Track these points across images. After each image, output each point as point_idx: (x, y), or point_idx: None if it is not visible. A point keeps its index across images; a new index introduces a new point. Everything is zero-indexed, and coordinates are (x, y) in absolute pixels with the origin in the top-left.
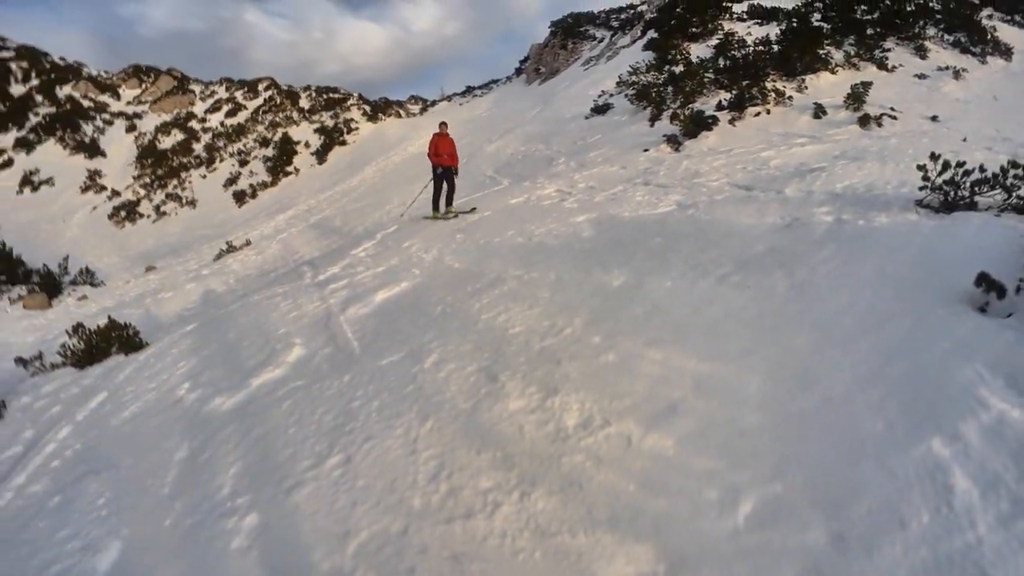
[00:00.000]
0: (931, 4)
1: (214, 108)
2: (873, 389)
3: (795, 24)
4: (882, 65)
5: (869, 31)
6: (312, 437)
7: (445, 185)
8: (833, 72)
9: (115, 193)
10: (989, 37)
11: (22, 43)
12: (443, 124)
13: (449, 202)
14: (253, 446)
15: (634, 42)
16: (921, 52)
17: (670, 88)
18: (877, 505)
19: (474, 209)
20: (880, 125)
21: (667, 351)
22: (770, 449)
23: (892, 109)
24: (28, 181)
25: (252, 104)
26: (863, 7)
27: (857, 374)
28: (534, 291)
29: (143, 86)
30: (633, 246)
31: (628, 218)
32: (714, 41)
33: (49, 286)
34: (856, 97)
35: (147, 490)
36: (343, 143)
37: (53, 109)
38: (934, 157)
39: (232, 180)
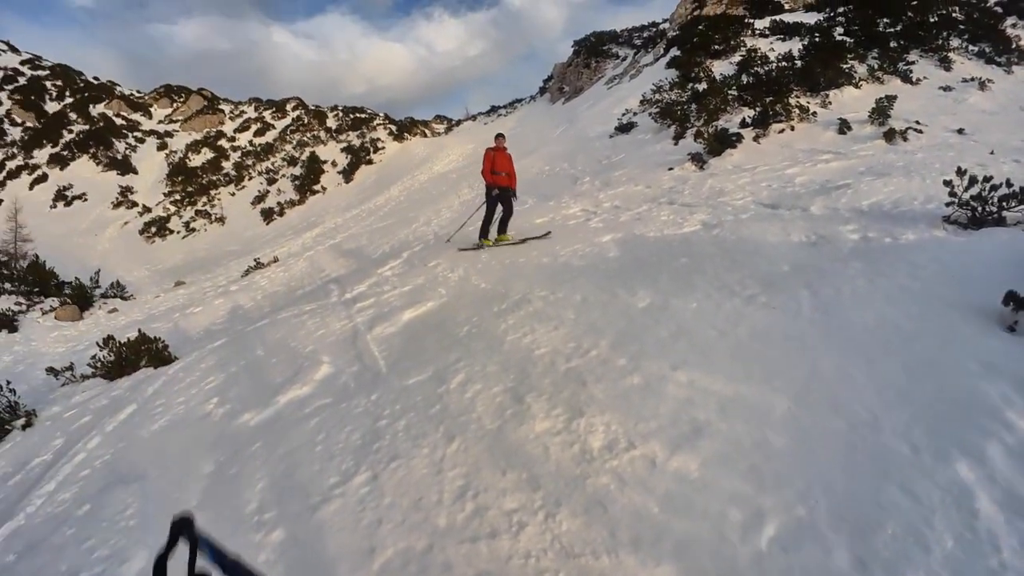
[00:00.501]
0: (954, 15)
1: (243, 127)
2: (899, 411)
3: (818, 39)
4: (906, 78)
5: (892, 44)
6: (339, 455)
7: (500, 208)
8: (857, 86)
9: (146, 209)
10: (1014, 46)
11: (57, 62)
12: (500, 137)
13: (504, 228)
14: (280, 462)
15: (657, 60)
16: (945, 64)
17: (693, 106)
18: (901, 530)
19: (548, 233)
20: (906, 139)
21: (692, 373)
22: (795, 472)
23: (917, 123)
24: (61, 196)
25: (280, 123)
26: (886, 20)
27: (883, 396)
28: (559, 312)
29: (174, 105)
30: (658, 266)
31: (653, 238)
32: (737, 58)
33: (80, 298)
34: (881, 111)
35: (174, 502)
36: (369, 162)
37: (86, 126)
38: (960, 172)
39: (260, 198)
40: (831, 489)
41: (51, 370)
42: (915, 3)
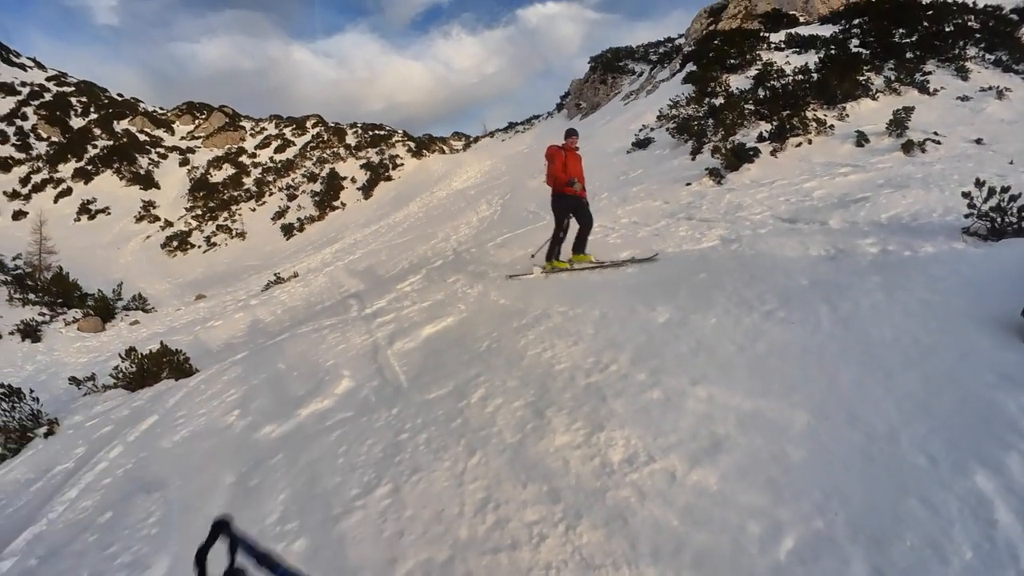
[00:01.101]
0: (970, 23)
1: (264, 144)
2: (918, 424)
3: (833, 51)
4: (923, 89)
5: (909, 55)
6: (360, 467)
7: (573, 222)
8: (874, 98)
9: (168, 223)
10: None
11: (82, 79)
12: (573, 134)
13: (582, 246)
14: (301, 474)
15: (673, 75)
16: (962, 73)
17: (710, 121)
18: (919, 541)
19: (656, 255)
20: (924, 151)
21: (712, 388)
22: (813, 485)
23: (935, 133)
24: (85, 210)
25: (300, 140)
26: (901, 30)
27: (902, 409)
28: (579, 327)
29: (196, 122)
30: (677, 282)
31: (672, 253)
32: (753, 72)
33: (103, 310)
34: (898, 123)
35: (196, 511)
36: (388, 179)
37: (110, 142)
38: (979, 183)
39: (280, 213)
40: (849, 501)
41: (73, 380)
42: (930, 13)
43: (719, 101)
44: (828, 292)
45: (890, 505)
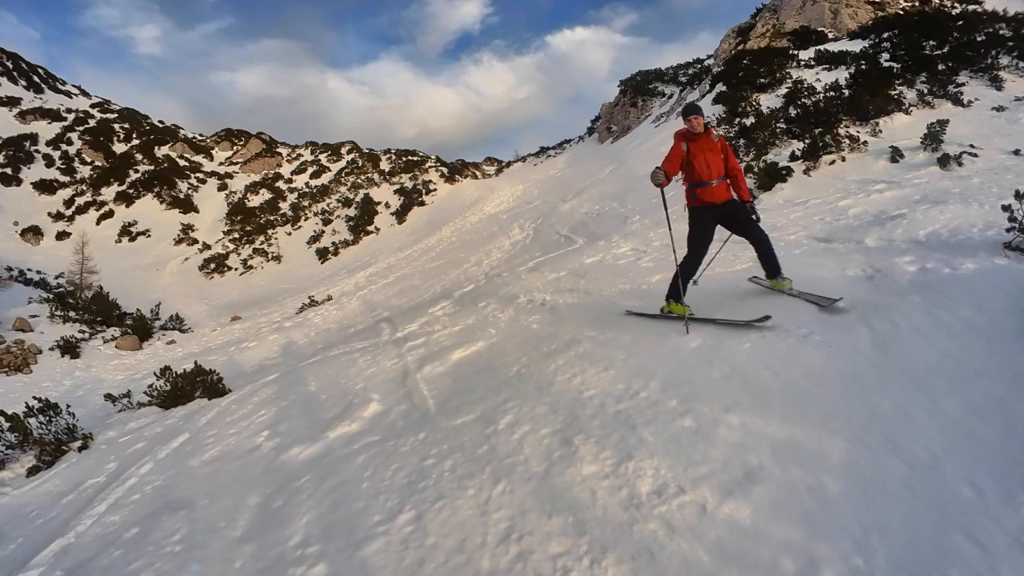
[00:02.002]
0: (1001, 31)
1: (300, 169)
2: (963, 453)
3: (864, 66)
4: (957, 100)
5: (941, 66)
6: (384, 493)
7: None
8: (907, 112)
9: (206, 246)
10: None
11: (125, 106)
12: (692, 111)
13: (774, 270)
14: (326, 497)
15: (703, 96)
16: (996, 83)
17: (742, 140)
18: None
19: (767, 317)
20: (960, 164)
21: (745, 416)
22: (852, 519)
23: (972, 146)
24: (126, 232)
25: (335, 166)
26: (932, 42)
27: (946, 436)
28: (609, 353)
29: (234, 148)
30: (710, 306)
31: (705, 276)
32: (783, 90)
33: (140, 329)
34: (933, 136)
35: (220, 531)
36: (421, 203)
37: (151, 167)
38: (1019, 195)
39: (316, 238)
40: (890, 536)
41: (109, 396)
42: (960, 23)
43: (750, 121)
44: (866, 314)
45: (933, 540)
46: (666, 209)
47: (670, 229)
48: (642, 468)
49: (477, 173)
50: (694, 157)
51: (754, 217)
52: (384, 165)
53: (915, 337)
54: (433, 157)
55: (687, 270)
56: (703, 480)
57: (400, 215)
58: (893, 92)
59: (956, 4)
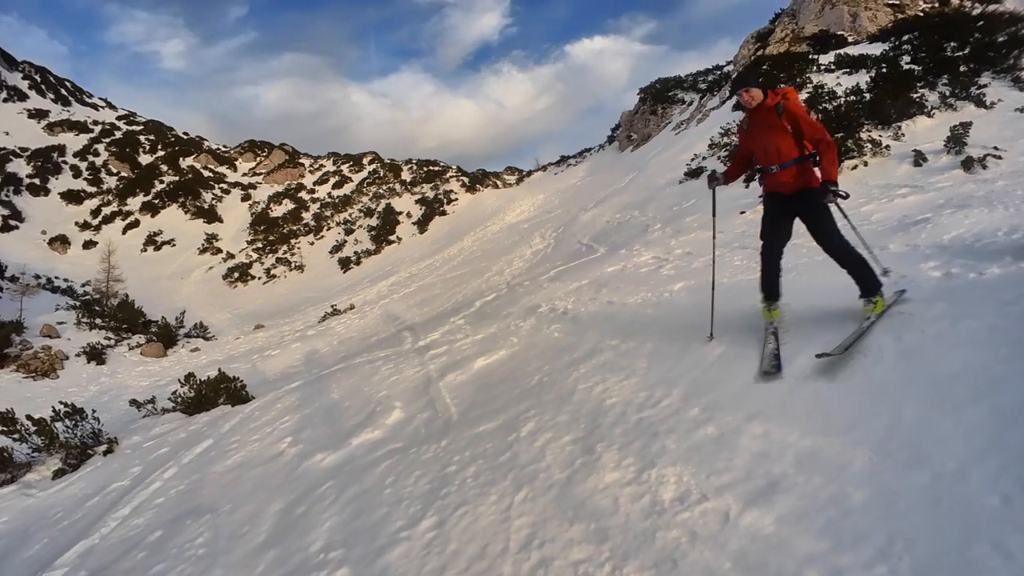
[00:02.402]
0: (1022, 32)
1: (322, 180)
2: (989, 461)
3: (885, 70)
4: (980, 102)
5: (962, 68)
6: (407, 499)
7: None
8: (929, 115)
9: (229, 256)
10: None
11: (150, 118)
12: (742, 85)
13: (871, 287)
14: (348, 504)
15: (723, 103)
16: (1019, 84)
17: None
18: None
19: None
20: (984, 167)
21: (768, 424)
22: (876, 529)
23: (995, 148)
24: (151, 241)
25: (357, 176)
26: (952, 44)
27: (971, 445)
28: (631, 362)
29: (257, 159)
30: (730, 316)
31: (727, 284)
32: (803, 95)
33: (165, 337)
34: (956, 139)
35: (243, 536)
36: (443, 213)
37: (176, 177)
38: None
39: (338, 247)
40: (915, 546)
41: (134, 402)
42: (981, 24)
43: None
44: (891, 322)
45: (959, 550)
46: (714, 214)
47: (714, 238)
48: (664, 476)
49: (498, 183)
50: (751, 139)
51: (830, 200)
52: (405, 175)
53: (939, 344)
54: (454, 167)
55: (763, 264)
56: (726, 488)
57: (421, 225)
58: (915, 95)
59: (976, 4)
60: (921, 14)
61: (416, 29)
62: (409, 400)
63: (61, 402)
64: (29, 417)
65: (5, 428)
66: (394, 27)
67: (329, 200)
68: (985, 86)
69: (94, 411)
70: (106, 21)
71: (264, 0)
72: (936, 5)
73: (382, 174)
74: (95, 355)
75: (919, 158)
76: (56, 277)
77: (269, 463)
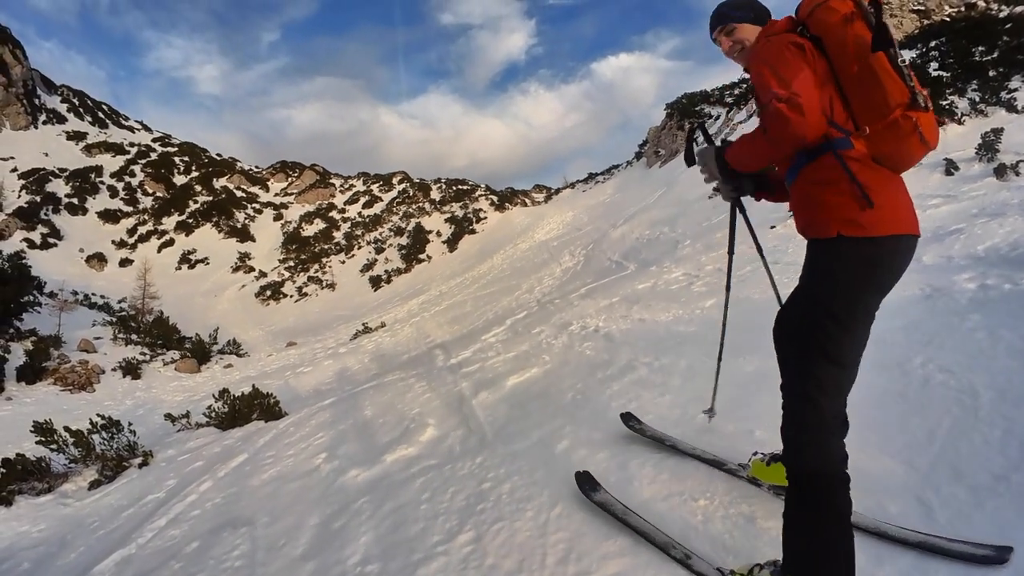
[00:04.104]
0: None
1: (352, 200)
2: None
3: None
4: (1011, 107)
5: (991, 72)
6: (443, 514)
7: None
8: (960, 122)
9: (262, 274)
10: None
11: (185, 140)
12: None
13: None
14: (385, 519)
15: (750, 117)
16: None
17: None
18: None
19: None
20: (1018, 174)
21: None
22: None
23: None
24: (186, 259)
25: (387, 196)
26: (981, 48)
27: (1008, 457)
28: (665, 378)
29: (289, 180)
30: (764, 329)
31: (758, 300)
32: None
33: (199, 353)
34: (988, 146)
35: (280, 549)
36: (472, 232)
37: (210, 198)
38: None
39: (369, 266)
40: None
41: (169, 416)
42: (1009, 26)
43: None
44: (924, 335)
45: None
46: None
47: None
48: (695, 493)
49: (527, 201)
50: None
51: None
52: (435, 194)
53: (974, 358)
54: (483, 186)
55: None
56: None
57: (451, 243)
58: (944, 102)
59: (1003, 7)
60: (947, 19)
61: (444, 51)
62: (443, 418)
63: (98, 415)
64: (67, 429)
65: (44, 439)
66: (422, 49)
67: (359, 219)
68: (1016, 90)
69: (130, 424)
70: (143, 48)
71: (296, 26)
72: (962, 9)
73: (412, 193)
74: (131, 370)
75: (951, 167)
76: (93, 293)
77: (305, 477)
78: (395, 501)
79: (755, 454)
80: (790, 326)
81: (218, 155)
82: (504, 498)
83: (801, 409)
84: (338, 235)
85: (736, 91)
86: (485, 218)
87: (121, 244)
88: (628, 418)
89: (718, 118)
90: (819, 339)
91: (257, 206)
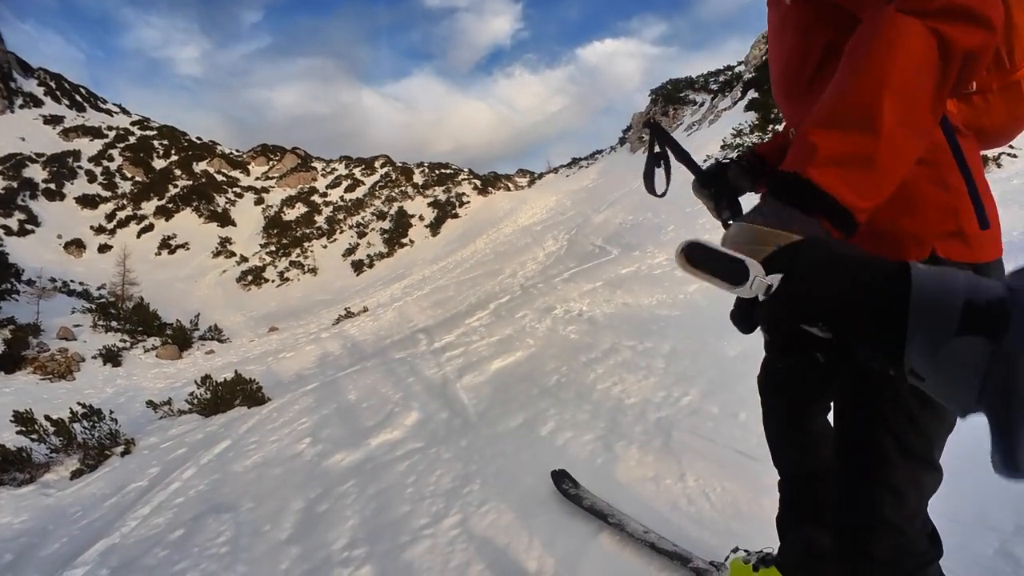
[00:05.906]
0: None
1: (334, 184)
2: None
3: None
4: None
5: None
6: (429, 497)
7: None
8: None
9: (243, 259)
10: None
11: (164, 123)
12: None
13: None
14: (370, 502)
15: (735, 104)
16: None
17: None
18: None
19: None
20: (999, 166)
21: None
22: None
23: (1011, 147)
24: (166, 245)
25: (369, 180)
26: None
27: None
28: (649, 361)
29: (270, 163)
30: None
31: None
32: None
33: (180, 339)
34: None
35: (265, 534)
36: (455, 216)
37: (190, 182)
38: None
39: (351, 250)
40: None
41: (150, 403)
42: None
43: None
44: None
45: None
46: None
47: None
48: (684, 472)
49: (510, 185)
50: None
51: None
52: (418, 178)
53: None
54: (466, 170)
55: None
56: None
57: (434, 227)
58: None
59: None
60: None
61: (428, 32)
62: (427, 401)
63: (79, 403)
64: (47, 418)
65: (24, 428)
66: (406, 30)
67: (342, 203)
68: None
69: (111, 412)
70: (122, 27)
71: (278, 5)
72: None
73: (394, 177)
74: (111, 357)
75: None
76: (72, 280)
77: (289, 462)
78: (380, 484)
79: (735, 551)
80: None
81: (198, 138)
82: (490, 480)
83: None
84: (320, 219)
85: (721, 78)
86: (468, 202)
87: (100, 230)
88: (561, 478)
89: (702, 104)
90: None
91: (238, 190)
